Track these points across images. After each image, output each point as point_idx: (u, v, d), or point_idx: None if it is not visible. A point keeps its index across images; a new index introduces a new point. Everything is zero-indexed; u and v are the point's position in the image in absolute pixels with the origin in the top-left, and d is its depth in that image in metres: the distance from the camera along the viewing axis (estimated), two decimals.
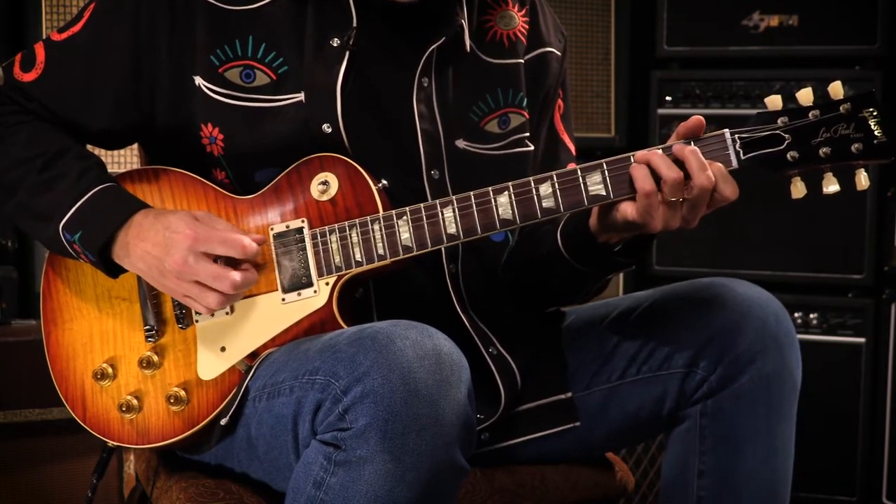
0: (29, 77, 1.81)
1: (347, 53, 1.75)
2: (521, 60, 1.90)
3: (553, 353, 1.89)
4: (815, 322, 3.37)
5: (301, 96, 1.74)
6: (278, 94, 1.75)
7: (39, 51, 1.82)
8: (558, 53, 1.96)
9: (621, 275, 3.50)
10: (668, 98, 3.47)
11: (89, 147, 1.86)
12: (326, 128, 1.73)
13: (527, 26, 1.92)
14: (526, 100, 1.90)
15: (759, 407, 1.75)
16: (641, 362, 1.82)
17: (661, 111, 3.46)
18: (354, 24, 1.75)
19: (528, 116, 1.90)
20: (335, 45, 1.75)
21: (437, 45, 1.78)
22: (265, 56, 1.75)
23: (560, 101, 1.99)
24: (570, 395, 1.86)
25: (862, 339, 3.33)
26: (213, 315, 1.73)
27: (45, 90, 1.80)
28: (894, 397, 3.28)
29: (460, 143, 1.83)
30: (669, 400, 1.80)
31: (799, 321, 3.38)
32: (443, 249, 1.78)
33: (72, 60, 1.80)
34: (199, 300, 1.67)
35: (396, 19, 1.79)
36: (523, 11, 1.92)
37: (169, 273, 1.66)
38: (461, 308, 1.80)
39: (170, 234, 1.65)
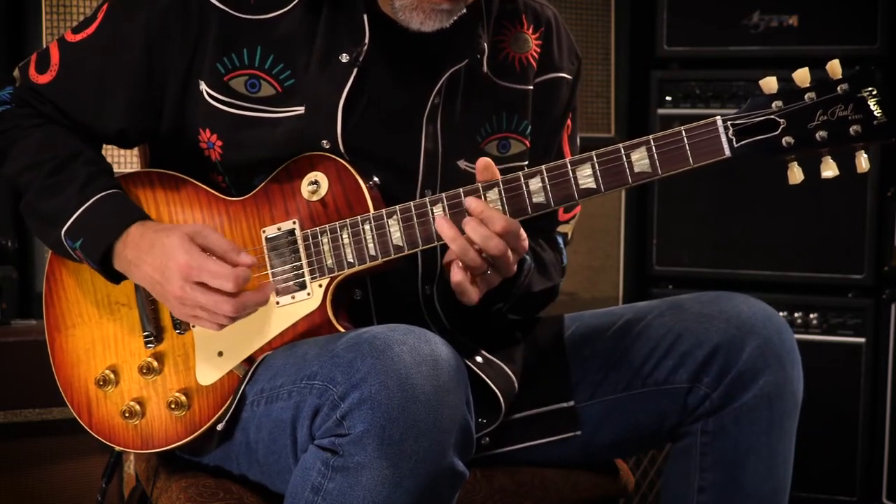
0: (44, 79, 1.81)
1: (356, 70, 1.73)
2: (530, 86, 1.87)
3: (556, 361, 1.88)
4: (815, 322, 3.36)
5: (302, 109, 1.73)
6: (281, 105, 1.74)
7: (54, 52, 1.81)
8: (569, 78, 1.93)
9: (621, 275, 3.50)
10: (668, 98, 3.45)
11: (104, 146, 1.87)
12: (325, 143, 1.72)
13: (539, 50, 1.89)
14: (530, 128, 1.87)
15: (760, 424, 1.74)
16: (646, 375, 1.81)
17: (661, 111, 3.44)
18: (366, 41, 1.73)
19: (528, 146, 1.87)
20: (344, 60, 1.73)
21: (458, 67, 1.77)
22: (272, 67, 1.74)
23: (569, 122, 1.96)
24: (571, 403, 1.85)
25: (862, 340, 3.32)
26: None
27: (59, 93, 1.80)
28: (894, 397, 3.27)
29: (462, 164, 1.81)
30: (672, 414, 1.80)
31: (799, 321, 3.37)
32: (419, 274, 1.78)
33: (85, 63, 1.79)
34: (203, 323, 1.67)
35: (413, 38, 1.75)
36: (538, 34, 1.89)
37: (171, 298, 1.67)
38: (437, 326, 1.77)
39: (166, 261, 1.64)
